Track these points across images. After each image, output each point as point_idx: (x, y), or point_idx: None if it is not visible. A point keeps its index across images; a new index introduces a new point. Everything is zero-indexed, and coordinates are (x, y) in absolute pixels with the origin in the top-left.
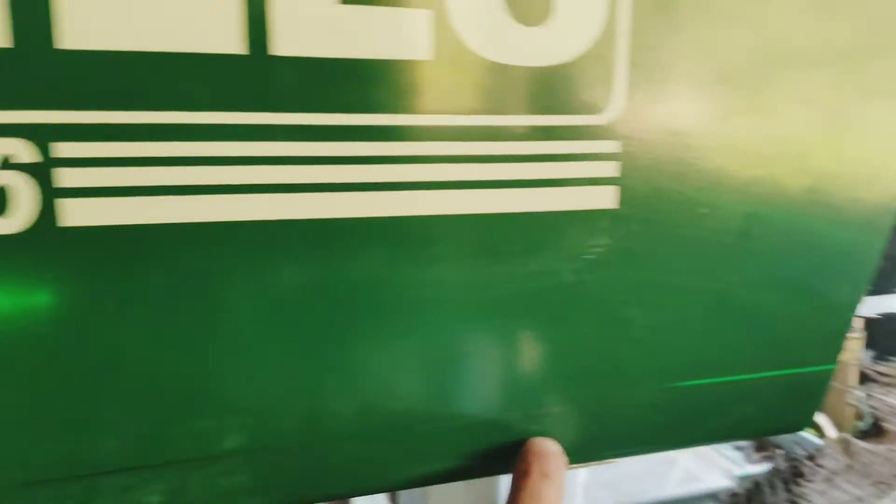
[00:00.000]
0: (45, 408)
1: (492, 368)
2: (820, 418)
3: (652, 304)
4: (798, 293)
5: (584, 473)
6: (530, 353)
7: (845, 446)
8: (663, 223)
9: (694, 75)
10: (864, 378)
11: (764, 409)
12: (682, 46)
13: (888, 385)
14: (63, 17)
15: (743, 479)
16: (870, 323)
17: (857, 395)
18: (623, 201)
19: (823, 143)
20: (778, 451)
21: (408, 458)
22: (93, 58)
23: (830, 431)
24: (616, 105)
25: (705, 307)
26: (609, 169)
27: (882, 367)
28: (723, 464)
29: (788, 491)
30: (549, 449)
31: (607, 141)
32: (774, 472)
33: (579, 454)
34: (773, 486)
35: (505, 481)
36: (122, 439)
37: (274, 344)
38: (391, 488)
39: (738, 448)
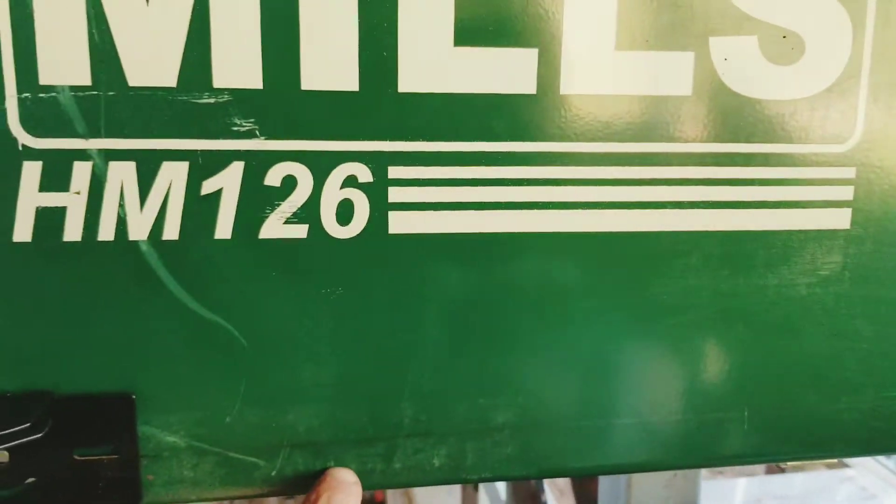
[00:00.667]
0: (361, 380)
1: (723, 370)
2: None
3: (877, 317)
4: None
5: (756, 486)
6: (761, 359)
7: None
8: (892, 243)
9: None
10: None
11: None
12: None
13: None
14: (400, 68)
15: None
16: None
17: None
18: (855, 222)
19: None
20: None
21: (639, 444)
22: (422, 99)
23: None
24: (856, 135)
25: None
26: (845, 193)
27: None
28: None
29: None
30: (345, 479)
31: (845, 168)
32: None
33: (800, 452)
34: None
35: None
36: (417, 410)
37: (543, 337)
38: (621, 470)
39: None
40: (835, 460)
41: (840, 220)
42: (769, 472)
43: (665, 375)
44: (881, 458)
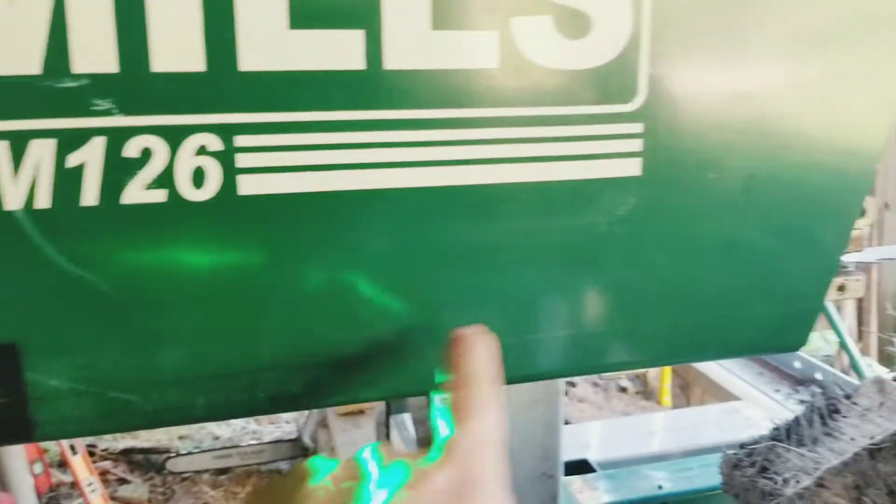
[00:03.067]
0: (220, 323)
1: (544, 296)
2: (863, 361)
3: (671, 249)
4: (791, 238)
5: (660, 420)
6: (573, 286)
7: (880, 386)
8: (679, 186)
9: (701, 72)
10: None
11: (765, 332)
12: (690, 50)
13: None
14: (239, 49)
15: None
16: None
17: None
18: (646, 169)
19: (811, 112)
20: (818, 391)
21: None
22: (261, 76)
23: (868, 372)
24: (640, 96)
25: (715, 251)
26: (635, 145)
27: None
28: (781, 413)
29: (825, 425)
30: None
31: (633, 124)
32: (813, 409)
33: (622, 362)
34: (810, 421)
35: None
36: (273, 346)
37: (386, 277)
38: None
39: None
40: (727, 395)
41: (632, 168)
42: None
43: (493, 303)
44: (769, 391)
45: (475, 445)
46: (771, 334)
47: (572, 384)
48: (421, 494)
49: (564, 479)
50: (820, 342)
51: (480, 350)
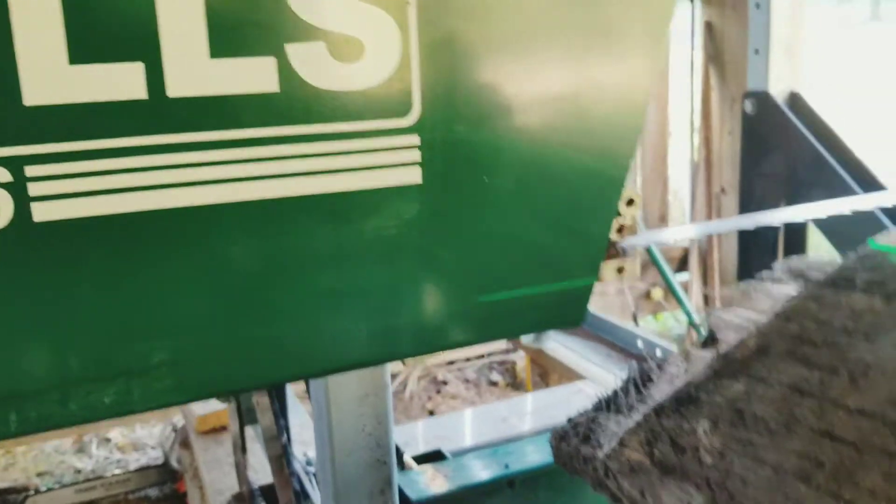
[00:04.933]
0: (20, 340)
1: (343, 296)
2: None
3: (453, 245)
4: (560, 229)
5: (513, 406)
6: (370, 285)
7: (686, 355)
8: (457, 191)
9: (470, 88)
10: (707, 299)
11: (548, 311)
12: (458, 68)
13: (727, 305)
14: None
15: None
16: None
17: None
18: (426, 176)
19: (569, 120)
20: (634, 364)
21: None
22: (44, 110)
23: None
24: (415, 111)
25: (495, 243)
26: (414, 156)
27: (725, 290)
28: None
29: (640, 393)
30: None
31: (410, 136)
32: (629, 380)
33: (418, 348)
34: (626, 391)
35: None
36: (82, 360)
37: (186, 289)
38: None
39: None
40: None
41: (413, 176)
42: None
43: (290, 306)
44: (615, 370)
45: None
46: (553, 312)
47: (444, 382)
48: None
49: (417, 469)
50: (671, 321)
51: None
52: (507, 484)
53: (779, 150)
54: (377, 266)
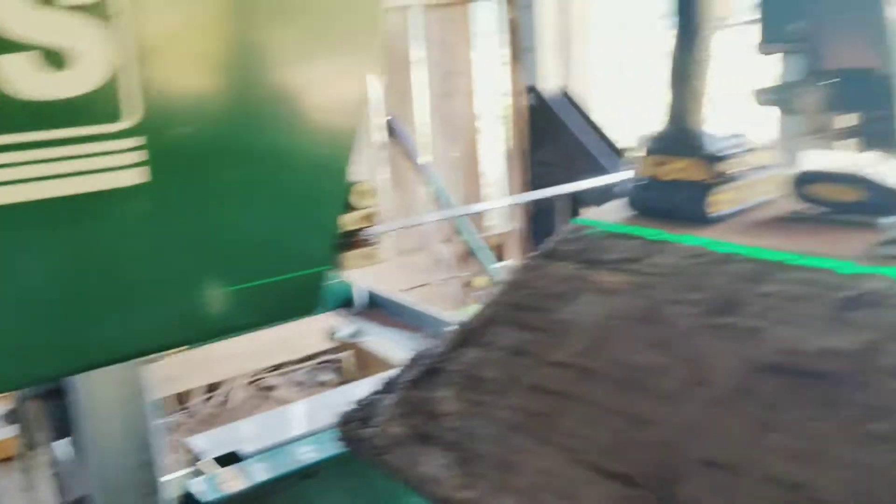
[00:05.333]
0: None
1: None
2: None
3: (187, 240)
4: (290, 223)
5: (304, 404)
6: (108, 282)
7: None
8: (187, 187)
9: (192, 90)
10: None
11: (283, 301)
12: (180, 72)
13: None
14: None
15: None
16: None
17: None
18: (154, 175)
19: (288, 113)
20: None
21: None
22: None
23: None
24: (133, 114)
25: (228, 235)
26: (141, 156)
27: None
28: None
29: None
30: None
31: (136, 138)
32: (412, 361)
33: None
34: (409, 370)
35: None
36: None
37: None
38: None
39: None
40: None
41: (142, 175)
42: None
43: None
44: None
45: None
46: (288, 302)
47: (271, 388)
48: None
49: (213, 472)
50: None
51: None
52: (304, 476)
53: (550, 139)
54: (113, 266)
